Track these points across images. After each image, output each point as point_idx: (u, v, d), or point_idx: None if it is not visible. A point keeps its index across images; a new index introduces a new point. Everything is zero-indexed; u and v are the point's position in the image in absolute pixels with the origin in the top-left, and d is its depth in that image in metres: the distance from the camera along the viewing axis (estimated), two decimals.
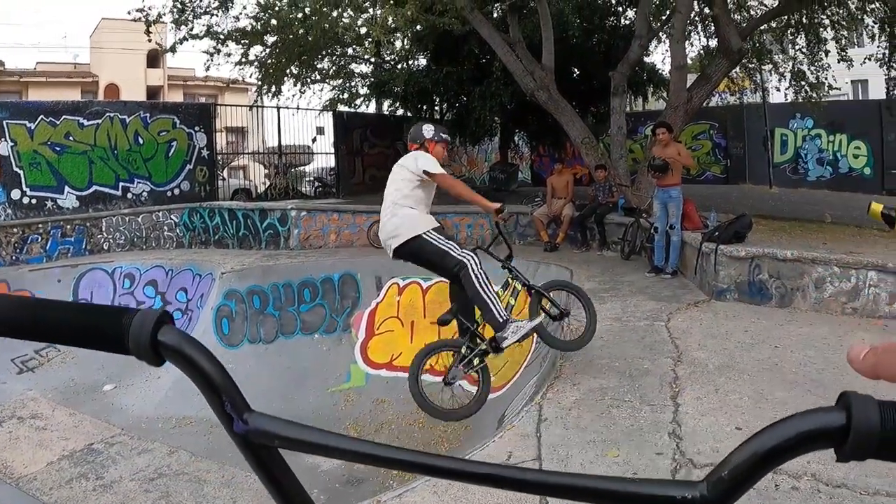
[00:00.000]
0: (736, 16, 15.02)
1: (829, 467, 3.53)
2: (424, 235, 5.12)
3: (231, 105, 20.01)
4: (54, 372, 10.09)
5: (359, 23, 13.85)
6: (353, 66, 21.21)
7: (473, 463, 0.60)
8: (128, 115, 14.90)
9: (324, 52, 18.22)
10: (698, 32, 17.00)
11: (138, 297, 12.00)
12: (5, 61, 32.94)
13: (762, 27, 14.74)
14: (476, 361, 5.44)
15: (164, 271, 12.19)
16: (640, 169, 12.36)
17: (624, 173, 12.46)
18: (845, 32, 14.64)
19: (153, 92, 35.48)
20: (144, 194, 15.02)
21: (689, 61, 15.24)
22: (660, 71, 19.45)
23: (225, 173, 18.86)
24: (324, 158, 20.97)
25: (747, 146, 21.43)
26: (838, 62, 14.54)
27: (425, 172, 5.25)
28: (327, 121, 19.97)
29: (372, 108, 22.31)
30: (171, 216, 14.56)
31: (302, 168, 21.40)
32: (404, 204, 5.26)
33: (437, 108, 21.14)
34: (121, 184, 14.70)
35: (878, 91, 19.87)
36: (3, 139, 13.17)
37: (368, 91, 20.67)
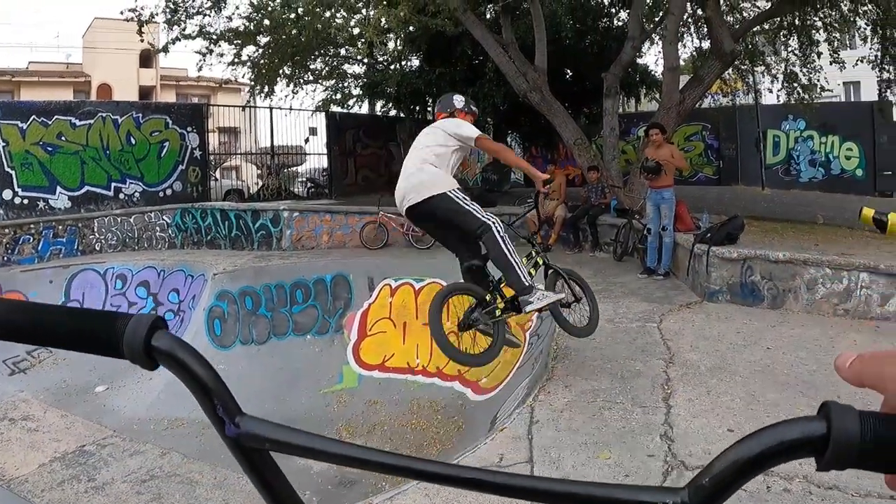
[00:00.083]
0: (728, 18, 15.06)
1: None
2: (449, 193, 4.98)
3: (224, 105, 19.97)
4: (46, 373, 10.06)
5: (351, 23, 13.83)
6: (345, 66, 21.22)
7: (458, 467, 0.61)
8: (120, 115, 14.87)
9: (316, 53, 18.23)
10: (691, 34, 17.02)
11: (130, 297, 11.96)
12: None
13: (755, 29, 14.78)
14: (497, 313, 5.28)
15: (156, 272, 12.16)
16: (633, 170, 12.38)
17: (616, 175, 12.48)
18: (837, 34, 14.65)
19: (146, 92, 35.42)
20: (136, 195, 14.99)
21: (682, 63, 15.30)
22: (652, 72, 19.49)
23: (217, 174, 18.82)
24: (316, 159, 20.98)
25: (739, 147, 21.47)
26: (830, 64, 14.57)
27: (468, 138, 5.21)
28: (320, 121, 19.99)
29: (365, 109, 22.32)
30: (164, 217, 14.52)
31: (294, 169, 21.39)
32: (434, 163, 5.16)
33: (429, 108, 21.15)
34: (113, 184, 14.67)
35: (870, 93, 19.96)
36: None
37: (361, 92, 20.67)
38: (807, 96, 15.53)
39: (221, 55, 15.62)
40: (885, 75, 14.75)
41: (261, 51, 16.35)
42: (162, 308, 11.53)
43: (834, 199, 16.62)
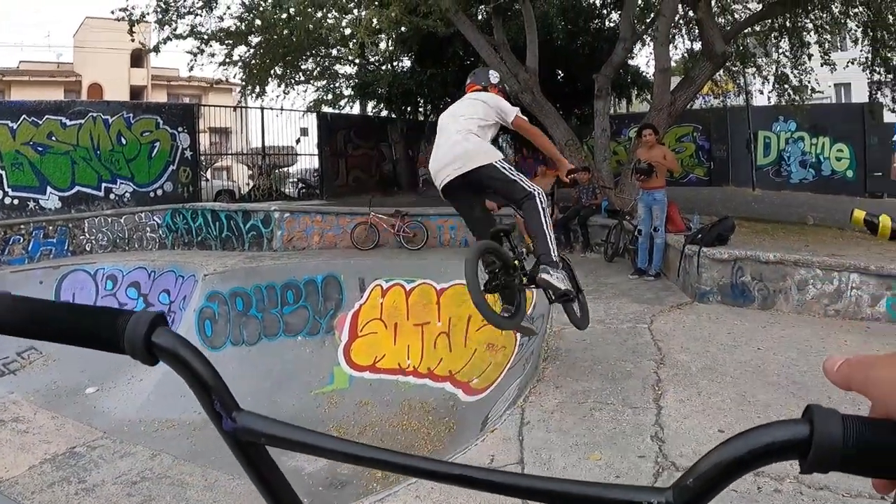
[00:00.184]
0: (720, 19, 15.10)
1: None
2: (496, 163, 4.95)
3: (215, 105, 19.95)
4: (36, 374, 10.01)
5: (343, 24, 13.86)
6: (337, 67, 21.24)
7: (449, 464, 0.62)
8: (111, 115, 14.82)
9: (308, 53, 18.24)
10: (682, 36, 17.08)
11: (121, 298, 11.91)
12: None
13: (746, 31, 14.82)
14: (517, 282, 5.19)
15: (146, 273, 12.13)
16: (624, 171, 12.40)
17: (608, 175, 12.51)
18: (828, 36, 14.71)
19: (137, 92, 35.34)
20: (127, 195, 14.93)
21: (673, 64, 15.32)
22: (644, 73, 19.56)
23: (208, 174, 18.78)
24: (307, 160, 20.97)
25: (730, 149, 21.53)
26: (821, 66, 14.61)
27: (507, 114, 5.17)
28: (311, 122, 19.99)
29: (356, 110, 22.32)
30: (154, 217, 14.48)
31: (285, 169, 21.36)
32: (478, 133, 5.10)
33: (420, 109, 21.16)
34: (103, 184, 14.61)
35: (860, 94, 20.05)
36: None
37: (352, 92, 20.67)
38: (797, 98, 15.58)
39: (213, 55, 15.62)
40: (876, 77, 14.81)
41: (252, 51, 16.35)
42: (152, 309, 11.45)
43: (824, 200, 16.66)
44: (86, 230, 14.09)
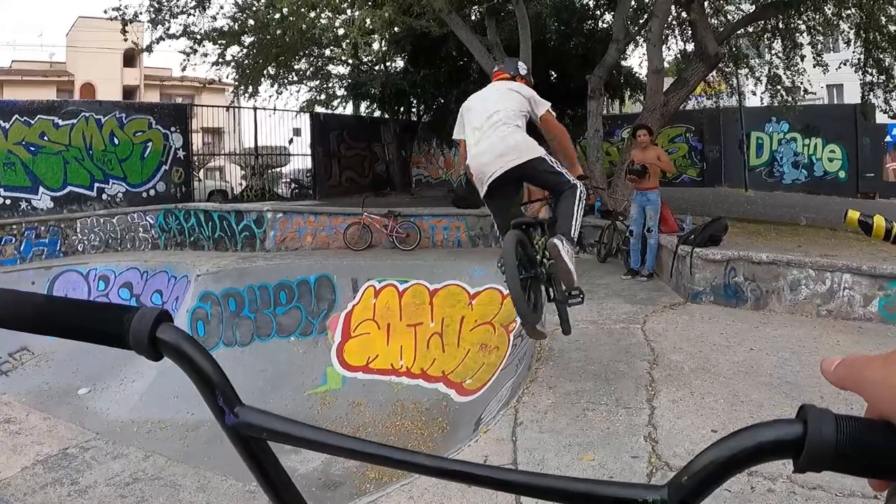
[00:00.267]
0: (713, 20, 15.14)
1: None
2: (544, 156, 4.95)
3: (207, 105, 19.87)
4: (28, 375, 9.98)
5: (336, 24, 13.81)
6: (330, 67, 21.21)
7: (447, 460, 0.62)
8: (103, 115, 14.77)
9: (301, 53, 18.21)
10: (675, 37, 17.11)
11: (113, 299, 11.88)
12: None
13: (739, 32, 14.86)
14: (542, 276, 5.15)
15: (139, 273, 12.10)
16: (617, 172, 12.42)
17: (600, 176, 12.52)
18: (821, 37, 14.77)
19: (129, 91, 35.24)
20: (119, 195, 14.88)
21: (666, 65, 15.35)
22: (637, 74, 19.54)
23: (201, 174, 18.73)
24: (300, 160, 20.94)
25: (723, 149, 21.61)
26: (814, 67, 14.67)
27: (539, 108, 5.21)
28: (304, 122, 19.97)
29: (349, 110, 22.32)
30: (147, 217, 14.42)
31: (278, 169, 21.33)
32: (519, 126, 5.06)
33: (414, 109, 21.15)
34: (96, 185, 14.56)
35: (853, 95, 20.13)
36: None
37: (345, 92, 20.66)
38: (790, 99, 15.63)
39: (206, 55, 15.59)
40: (868, 78, 14.84)
41: (245, 51, 16.32)
42: None
43: (817, 200, 16.74)
44: (78, 230, 14.04)
